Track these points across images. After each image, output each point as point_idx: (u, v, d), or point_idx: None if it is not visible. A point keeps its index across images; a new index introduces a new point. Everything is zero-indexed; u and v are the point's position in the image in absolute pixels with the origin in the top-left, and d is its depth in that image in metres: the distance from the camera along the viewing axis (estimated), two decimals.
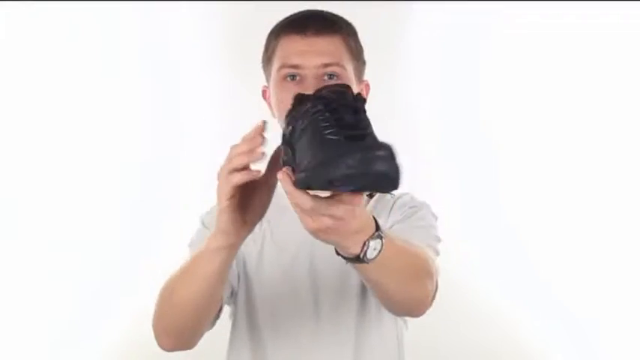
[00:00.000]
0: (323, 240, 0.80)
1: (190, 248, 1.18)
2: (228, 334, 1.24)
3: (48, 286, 2.24)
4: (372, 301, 1.17)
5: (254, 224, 0.92)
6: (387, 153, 0.70)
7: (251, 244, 1.18)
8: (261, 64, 1.23)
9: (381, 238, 0.82)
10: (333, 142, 0.74)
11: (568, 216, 2.30)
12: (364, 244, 0.81)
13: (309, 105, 0.81)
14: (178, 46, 2.40)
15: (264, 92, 1.24)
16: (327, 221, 0.76)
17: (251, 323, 1.19)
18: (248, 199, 0.90)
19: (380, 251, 0.83)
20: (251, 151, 0.85)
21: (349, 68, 1.16)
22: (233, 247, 0.92)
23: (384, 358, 1.19)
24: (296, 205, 0.77)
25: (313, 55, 1.12)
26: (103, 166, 2.32)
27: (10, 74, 2.28)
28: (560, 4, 2.26)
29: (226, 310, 1.20)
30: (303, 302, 1.17)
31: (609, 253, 2.27)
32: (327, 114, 0.78)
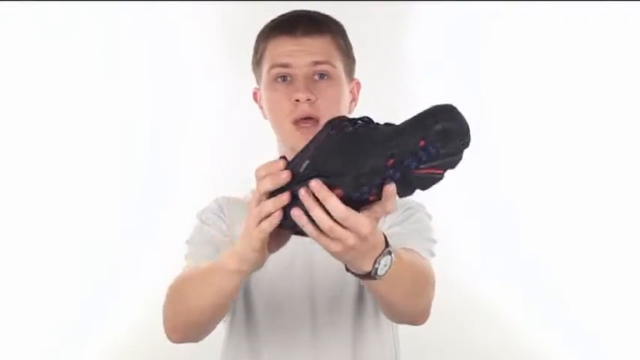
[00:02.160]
0: (340, 259, 0.80)
1: (189, 245, 1.17)
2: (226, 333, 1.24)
3: (47, 285, 2.24)
4: (369, 306, 1.17)
5: (278, 249, 0.89)
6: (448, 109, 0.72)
7: None
8: (251, 67, 1.23)
9: (390, 254, 0.82)
10: (386, 130, 0.73)
11: (569, 215, 2.30)
12: (375, 261, 0.80)
13: (325, 132, 0.77)
14: (178, 46, 2.40)
15: (254, 94, 1.24)
16: (351, 241, 0.75)
17: (249, 327, 1.18)
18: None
19: (389, 267, 0.82)
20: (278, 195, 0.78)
21: (339, 67, 1.16)
22: (254, 270, 0.90)
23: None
24: (325, 224, 0.74)
25: (303, 54, 1.12)
26: (103, 165, 2.32)
27: (11, 75, 2.28)
28: (561, 4, 2.26)
29: None
30: (300, 308, 1.16)
31: (611, 252, 2.26)
32: (356, 123, 0.76)
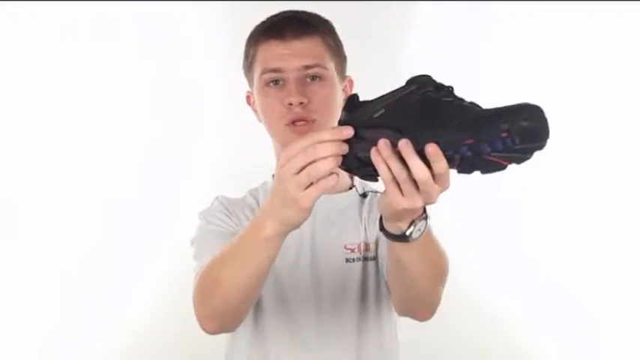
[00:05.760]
0: (389, 213, 0.81)
1: (197, 245, 1.17)
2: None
3: (49, 286, 2.25)
4: (372, 301, 1.18)
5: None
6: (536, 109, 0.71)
7: None
8: (242, 71, 1.24)
9: (427, 220, 0.85)
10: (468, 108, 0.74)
11: (568, 216, 2.30)
12: (412, 222, 0.83)
13: (408, 89, 0.79)
14: (181, 46, 2.41)
15: (248, 98, 1.25)
16: (418, 202, 0.77)
17: (256, 322, 1.19)
18: None
19: (422, 233, 0.85)
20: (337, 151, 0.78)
21: (330, 67, 1.17)
22: (290, 232, 0.89)
23: (384, 356, 1.20)
24: (402, 178, 0.76)
25: (294, 58, 1.13)
26: (104, 166, 2.33)
27: (15, 75, 2.29)
28: (562, 4, 2.26)
29: None
30: (306, 303, 1.17)
31: (609, 253, 2.27)
32: (441, 90, 0.77)
